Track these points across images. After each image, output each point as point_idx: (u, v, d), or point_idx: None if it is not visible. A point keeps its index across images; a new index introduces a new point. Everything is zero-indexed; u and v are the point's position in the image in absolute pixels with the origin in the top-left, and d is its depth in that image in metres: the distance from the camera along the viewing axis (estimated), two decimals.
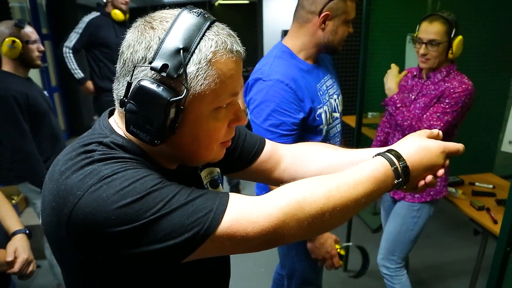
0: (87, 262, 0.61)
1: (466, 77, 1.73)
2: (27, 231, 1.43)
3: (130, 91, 0.59)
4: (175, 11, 0.62)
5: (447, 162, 0.74)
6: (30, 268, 1.39)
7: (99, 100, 3.40)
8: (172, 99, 0.57)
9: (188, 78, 0.59)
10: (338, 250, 1.45)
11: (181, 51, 0.58)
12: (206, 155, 0.69)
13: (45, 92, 2.23)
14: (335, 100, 1.50)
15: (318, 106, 1.37)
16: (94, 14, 3.23)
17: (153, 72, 0.58)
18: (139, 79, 0.59)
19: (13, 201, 2.95)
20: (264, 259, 2.74)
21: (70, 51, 3.17)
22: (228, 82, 0.62)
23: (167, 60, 0.58)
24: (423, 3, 2.75)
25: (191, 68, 0.59)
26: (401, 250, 1.99)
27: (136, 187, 0.56)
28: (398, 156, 0.69)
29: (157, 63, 0.58)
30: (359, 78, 2.25)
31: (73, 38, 3.17)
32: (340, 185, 0.63)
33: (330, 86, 1.49)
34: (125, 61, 0.61)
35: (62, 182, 0.58)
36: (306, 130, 1.37)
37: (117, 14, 3.23)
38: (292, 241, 0.63)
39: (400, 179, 0.68)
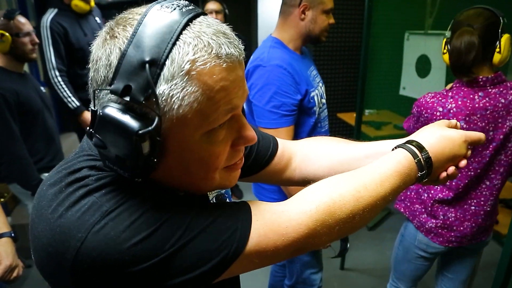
0: None
1: None
2: (13, 234, 1.36)
3: (95, 121, 0.46)
4: (145, 9, 0.48)
5: (469, 152, 0.70)
6: (14, 274, 1.32)
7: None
8: (141, 131, 0.44)
9: (159, 100, 0.45)
10: None
11: (147, 65, 0.44)
12: (206, 185, 0.57)
13: (43, 88, 2.12)
14: (320, 87, 1.63)
15: (311, 90, 1.50)
16: (51, 12, 2.51)
17: (117, 96, 0.45)
18: (103, 105, 0.46)
19: (2, 200, 2.87)
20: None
21: (57, 75, 2.47)
22: (218, 97, 0.48)
23: (130, 79, 0.44)
24: (423, 0, 2.73)
25: (162, 87, 0.45)
26: (394, 267, 1.82)
27: (147, 218, 0.47)
28: (421, 147, 0.64)
29: (118, 85, 0.45)
30: (360, 74, 2.22)
31: (50, 56, 2.46)
32: (368, 183, 0.58)
33: (316, 75, 1.64)
34: (91, 82, 0.49)
35: (56, 223, 0.47)
36: (301, 112, 1.48)
37: (79, 5, 2.54)
38: (321, 247, 0.59)
39: (424, 172, 0.63)
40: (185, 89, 0.46)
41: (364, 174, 0.60)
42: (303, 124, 1.51)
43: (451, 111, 1.33)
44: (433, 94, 1.39)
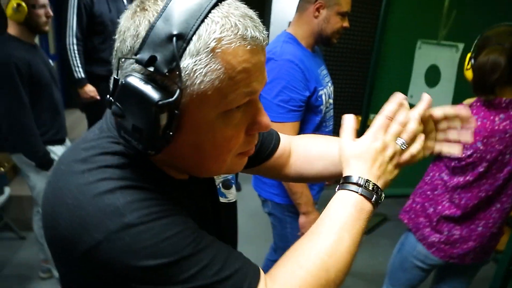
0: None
1: None
2: None
3: (116, 90, 0.48)
4: None
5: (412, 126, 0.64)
6: None
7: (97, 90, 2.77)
8: (161, 102, 0.45)
9: (182, 74, 0.46)
10: None
11: (174, 38, 0.45)
12: (216, 168, 0.56)
13: (51, 61, 2.14)
14: (329, 87, 1.63)
15: (320, 88, 1.51)
16: None
17: (141, 66, 0.46)
18: (126, 74, 0.47)
19: (2, 169, 2.88)
20: (252, 251, 2.73)
21: (74, 42, 2.56)
22: (239, 78, 0.48)
23: (156, 51, 0.45)
24: (439, 9, 2.72)
25: (187, 61, 0.46)
26: (389, 274, 1.83)
27: (166, 246, 0.47)
28: (357, 183, 0.60)
29: (144, 55, 0.46)
30: (369, 79, 2.22)
31: (72, 23, 2.55)
32: (329, 252, 0.56)
33: (326, 75, 1.64)
34: (115, 52, 0.50)
35: (76, 214, 0.48)
36: (308, 109, 1.49)
37: None
38: None
39: (374, 197, 0.60)
40: (208, 66, 0.46)
41: (323, 240, 0.57)
42: (308, 121, 1.52)
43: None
44: None
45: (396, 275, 1.77)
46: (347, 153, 0.65)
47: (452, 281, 1.73)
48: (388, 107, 0.65)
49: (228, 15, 0.47)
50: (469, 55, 1.36)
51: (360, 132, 2.45)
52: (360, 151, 0.63)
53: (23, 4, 1.80)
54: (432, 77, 2.86)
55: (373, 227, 3.22)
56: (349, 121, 0.68)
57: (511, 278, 1.25)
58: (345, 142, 0.66)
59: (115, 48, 0.50)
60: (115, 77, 0.48)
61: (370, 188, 0.60)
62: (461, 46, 2.59)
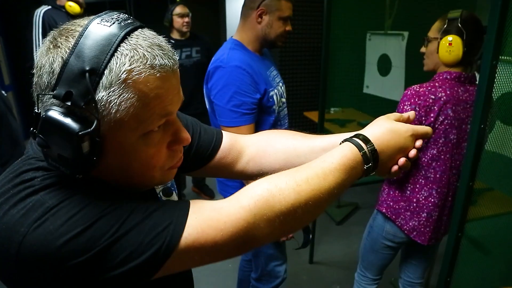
0: None
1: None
2: None
3: (38, 123, 0.50)
4: (87, 21, 0.52)
5: (418, 143, 0.72)
6: None
7: None
8: (81, 132, 0.48)
9: (98, 105, 0.49)
10: None
11: (87, 74, 0.48)
12: (147, 183, 0.61)
13: (4, 92, 2.11)
14: (281, 87, 1.68)
15: (270, 89, 1.56)
16: (46, 7, 2.79)
17: (58, 100, 0.49)
18: (46, 108, 0.50)
19: None
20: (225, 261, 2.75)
21: None
22: (153, 104, 0.52)
23: (71, 86, 0.48)
24: (382, 1, 2.85)
25: (101, 93, 0.49)
26: (361, 257, 1.91)
27: (85, 213, 0.50)
28: (366, 140, 0.66)
29: (60, 90, 0.49)
30: (321, 75, 2.30)
31: (38, 44, 2.73)
32: (310, 177, 0.59)
33: (276, 76, 1.69)
34: (34, 87, 0.53)
35: (1, 221, 0.50)
36: (261, 111, 1.55)
37: (73, 7, 2.81)
38: (267, 242, 0.58)
39: (370, 164, 0.65)
40: (122, 96, 0.50)
41: (307, 169, 0.61)
42: (263, 122, 1.58)
43: (442, 99, 1.41)
44: (419, 85, 1.46)
45: (368, 258, 1.85)
46: (389, 120, 0.72)
47: (419, 255, 1.83)
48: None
49: (136, 47, 0.51)
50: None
51: (318, 125, 2.53)
52: (399, 128, 0.70)
53: None
54: (384, 66, 2.98)
55: (346, 216, 3.30)
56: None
57: (461, 243, 1.34)
58: (395, 115, 0.74)
59: (34, 83, 0.53)
60: (36, 111, 0.51)
61: (371, 159, 0.66)
62: (406, 34, 2.71)
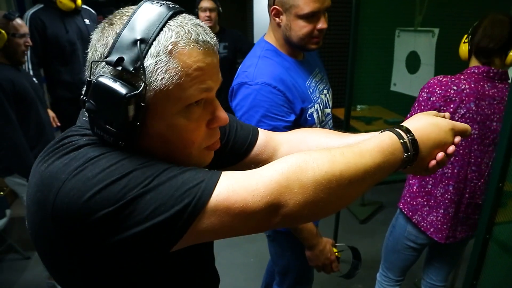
0: (80, 263, 0.55)
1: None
2: None
3: (89, 89, 0.55)
4: (138, 4, 0.58)
5: (457, 139, 0.71)
6: None
7: (57, 112, 2.69)
8: (128, 94, 0.52)
9: (146, 71, 0.54)
10: (336, 254, 1.41)
11: (138, 42, 0.54)
12: (184, 160, 0.62)
13: (35, 80, 2.20)
14: (325, 95, 1.45)
15: (309, 106, 1.31)
16: (36, 7, 2.62)
17: (110, 67, 0.54)
18: (97, 76, 0.55)
19: (1, 193, 2.93)
20: (254, 249, 2.78)
21: (30, 68, 2.53)
22: (195, 75, 0.56)
23: (123, 53, 0.54)
24: None
25: (149, 61, 0.54)
26: (384, 257, 1.87)
27: (123, 164, 0.53)
28: (407, 130, 0.67)
29: (113, 57, 0.54)
30: (348, 72, 2.28)
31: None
32: (345, 151, 0.59)
33: (319, 81, 1.44)
34: (88, 61, 0.58)
35: (46, 170, 0.54)
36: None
37: (64, 2, 2.60)
38: (300, 214, 0.56)
39: (409, 153, 0.65)
40: (167, 65, 0.55)
41: (344, 147, 0.62)
42: None
43: (465, 91, 1.39)
44: (443, 76, 1.45)
45: (390, 258, 1.83)
46: (429, 115, 0.72)
47: (443, 257, 1.79)
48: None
49: (182, 24, 0.57)
50: (465, 36, 1.51)
51: (344, 122, 2.51)
52: (440, 122, 0.70)
53: (3, 31, 1.86)
54: (412, 63, 2.92)
55: (370, 215, 3.27)
56: None
57: (489, 245, 1.31)
58: (432, 112, 0.75)
59: (88, 59, 0.58)
60: (88, 79, 0.56)
61: (411, 149, 0.66)
62: (436, 31, 2.65)
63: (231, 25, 3.71)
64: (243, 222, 0.55)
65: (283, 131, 1.14)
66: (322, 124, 1.40)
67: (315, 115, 1.33)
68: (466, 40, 1.48)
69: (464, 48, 1.49)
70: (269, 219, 0.56)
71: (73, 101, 2.62)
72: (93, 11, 2.94)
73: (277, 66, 1.26)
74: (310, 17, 1.22)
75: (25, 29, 1.97)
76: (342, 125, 2.58)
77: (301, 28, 1.23)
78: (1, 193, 2.94)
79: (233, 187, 0.54)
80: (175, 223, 0.52)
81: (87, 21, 2.80)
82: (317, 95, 1.38)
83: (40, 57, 2.63)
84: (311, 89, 1.35)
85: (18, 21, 1.94)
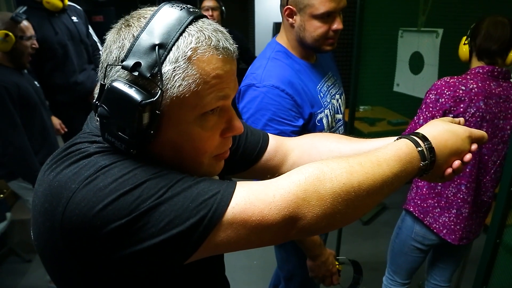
0: (89, 276, 0.53)
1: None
2: None
3: (102, 94, 0.53)
4: (158, 7, 0.56)
5: (474, 147, 0.70)
6: None
7: (56, 117, 2.54)
8: (144, 102, 0.50)
9: (163, 78, 0.52)
10: (337, 266, 1.40)
11: (157, 47, 0.51)
12: (195, 169, 0.60)
13: (37, 83, 2.17)
14: (337, 100, 1.40)
15: (319, 111, 1.27)
16: (20, 9, 2.25)
17: (126, 72, 0.52)
18: (111, 80, 0.53)
19: (1, 196, 2.91)
20: (257, 252, 2.76)
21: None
22: (213, 83, 0.54)
23: (140, 58, 0.51)
24: None
25: (167, 67, 0.52)
26: (390, 260, 1.86)
27: (136, 174, 0.51)
28: (424, 138, 0.65)
29: (129, 62, 0.51)
30: (353, 72, 2.26)
31: None
32: (363, 161, 0.58)
33: (332, 86, 1.39)
34: (101, 64, 0.56)
35: (54, 179, 0.52)
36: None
37: (52, 2, 2.42)
38: (316, 226, 0.54)
39: (426, 161, 0.63)
40: (186, 71, 0.53)
41: (360, 156, 0.60)
42: None
43: (473, 90, 1.39)
44: (449, 77, 1.45)
45: (396, 261, 1.81)
46: (445, 122, 0.71)
47: (448, 258, 1.78)
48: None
49: (203, 29, 0.54)
50: (464, 38, 1.52)
51: (349, 124, 2.49)
52: (457, 130, 0.69)
53: (11, 34, 1.84)
54: (416, 64, 2.90)
55: (373, 216, 3.25)
56: None
57: (499, 250, 1.29)
58: (448, 118, 0.74)
59: (101, 60, 0.56)
60: (102, 83, 0.54)
61: (429, 157, 0.64)
62: (440, 31, 2.63)
63: (233, 26, 3.69)
64: (260, 235, 0.53)
65: (290, 136, 1.12)
66: (332, 130, 1.37)
67: (324, 121, 1.30)
68: (466, 42, 1.49)
69: (464, 50, 1.50)
70: (286, 231, 0.54)
71: (71, 105, 2.58)
72: (78, 7, 2.76)
73: (286, 69, 1.23)
74: (326, 17, 1.19)
75: (31, 31, 1.95)
76: (346, 126, 2.56)
77: (316, 28, 1.20)
78: (1, 195, 2.91)
79: (250, 199, 0.53)
80: (190, 236, 0.50)
81: (74, 18, 2.66)
82: (328, 100, 1.34)
83: (32, 62, 2.47)
84: (322, 94, 1.31)
85: (25, 23, 1.91)
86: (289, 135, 1.17)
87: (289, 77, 1.20)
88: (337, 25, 1.21)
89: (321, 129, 1.28)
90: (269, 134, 0.87)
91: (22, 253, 2.70)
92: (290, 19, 1.22)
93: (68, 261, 0.52)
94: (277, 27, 4.49)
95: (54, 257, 0.54)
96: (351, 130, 2.47)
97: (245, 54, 3.19)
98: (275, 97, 1.17)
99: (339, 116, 1.41)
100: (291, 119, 1.19)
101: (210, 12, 2.92)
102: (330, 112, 1.33)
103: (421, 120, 1.47)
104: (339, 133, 1.43)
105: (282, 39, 1.30)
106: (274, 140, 0.86)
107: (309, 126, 1.25)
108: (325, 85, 1.35)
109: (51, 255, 0.55)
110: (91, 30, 2.80)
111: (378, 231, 3.08)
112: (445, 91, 1.41)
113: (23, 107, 1.90)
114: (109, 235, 0.48)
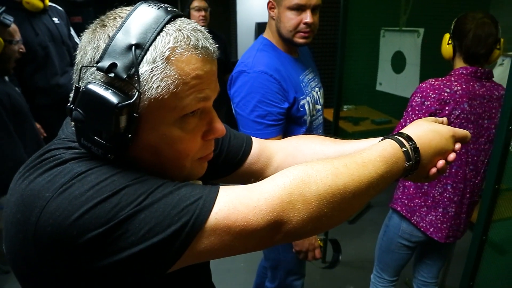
0: None
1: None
2: None
3: (77, 97, 0.50)
4: (134, 6, 0.54)
5: (457, 146, 0.70)
6: None
7: (38, 121, 2.33)
8: (120, 104, 0.48)
9: (141, 79, 0.49)
10: (319, 242, 1.50)
11: (133, 48, 0.49)
12: (177, 172, 0.58)
13: (17, 89, 2.07)
14: (316, 92, 1.52)
15: (301, 97, 1.40)
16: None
17: (101, 74, 0.49)
18: (86, 82, 0.50)
19: None
20: (244, 254, 2.74)
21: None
22: (193, 84, 0.52)
23: (116, 58, 0.49)
24: None
25: (144, 68, 0.50)
26: (377, 258, 1.88)
27: (114, 180, 0.48)
28: (408, 138, 0.65)
29: (105, 63, 0.49)
30: (337, 71, 2.27)
31: None
32: (348, 163, 0.57)
33: (312, 79, 1.52)
34: (76, 65, 0.53)
35: (27, 188, 0.49)
36: (290, 121, 1.39)
37: (32, 2, 2.33)
38: (302, 230, 0.53)
39: (411, 161, 0.63)
40: (164, 72, 0.50)
41: (345, 157, 0.59)
42: (292, 133, 1.42)
43: (458, 92, 1.40)
44: (434, 79, 1.46)
45: (384, 259, 1.83)
46: (429, 122, 0.71)
47: (434, 254, 1.81)
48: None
49: (181, 29, 0.52)
50: (447, 35, 1.52)
51: (333, 123, 2.49)
52: (441, 129, 0.69)
53: (0, 39, 1.73)
54: (398, 63, 2.93)
55: (359, 215, 3.27)
56: None
57: (485, 247, 1.31)
58: (431, 118, 0.74)
59: (76, 62, 0.54)
60: (77, 85, 0.51)
61: (413, 157, 0.64)
62: (421, 30, 2.67)
63: (215, 26, 3.67)
64: (244, 241, 0.51)
65: (278, 117, 1.32)
66: (313, 118, 1.48)
67: (306, 107, 1.42)
68: (449, 42, 1.51)
69: (448, 49, 1.51)
70: (271, 236, 0.53)
71: (52, 107, 2.48)
72: (60, 8, 2.68)
73: (273, 58, 1.36)
74: (297, 10, 1.31)
75: (19, 34, 1.84)
76: (331, 126, 2.57)
77: (288, 20, 1.32)
78: None
79: (233, 204, 0.50)
80: (172, 244, 0.48)
81: (56, 19, 2.56)
82: (309, 90, 1.47)
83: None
84: (303, 83, 1.45)
85: (14, 26, 1.81)
86: (276, 116, 1.32)
87: (276, 65, 1.33)
88: (307, 18, 1.32)
89: (303, 114, 1.41)
90: (252, 137, 0.85)
91: (1, 265, 2.61)
92: (272, 12, 1.36)
93: (43, 275, 0.50)
94: (259, 28, 4.47)
95: (28, 270, 0.51)
96: (335, 129, 2.48)
97: (227, 60, 3.18)
98: (264, 81, 1.29)
99: (319, 106, 1.54)
100: (278, 101, 1.31)
101: (202, 13, 2.87)
102: (311, 100, 1.46)
103: (408, 123, 1.48)
104: (319, 122, 1.55)
105: (267, 34, 1.44)
106: (257, 143, 0.84)
107: (293, 110, 1.37)
108: (306, 78, 1.48)
109: (24, 268, 0.52)
110: (72, 32, 2.72)
111: (364, 229, 3.10)
112: (430, 94, 1.42)
113: (15, 116, 1.77)
114: (87, 245, 0.45)
